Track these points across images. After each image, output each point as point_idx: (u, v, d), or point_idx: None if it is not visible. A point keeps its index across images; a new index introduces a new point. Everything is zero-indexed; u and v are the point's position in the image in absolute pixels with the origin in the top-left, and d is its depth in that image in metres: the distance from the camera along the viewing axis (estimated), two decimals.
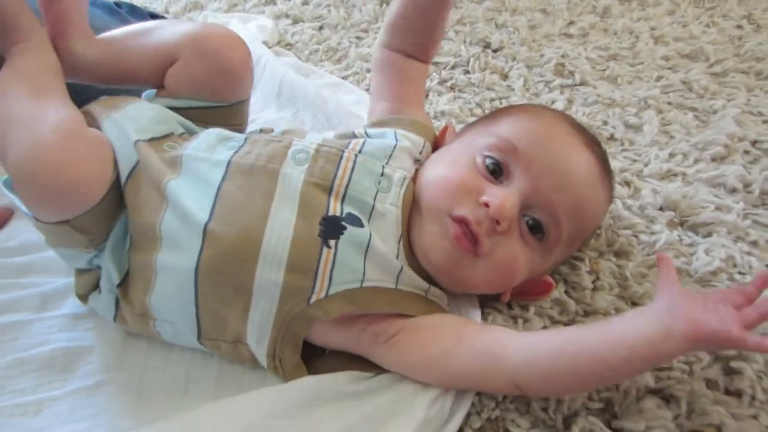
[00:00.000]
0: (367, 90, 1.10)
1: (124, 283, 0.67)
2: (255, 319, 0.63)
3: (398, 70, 0.81)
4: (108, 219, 0.66)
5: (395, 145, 0.71)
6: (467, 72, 1.22)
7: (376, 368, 0.65)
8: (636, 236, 0.83)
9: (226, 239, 0.62)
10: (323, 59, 1.28)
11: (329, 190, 0.65)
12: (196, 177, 0.65)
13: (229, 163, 0.66)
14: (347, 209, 0.65)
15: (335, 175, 0.66)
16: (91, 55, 0.76)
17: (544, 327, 0.71)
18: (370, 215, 0.65)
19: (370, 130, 0.75)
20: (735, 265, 0.79)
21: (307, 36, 1.35)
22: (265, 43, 1.29)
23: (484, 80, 1.18)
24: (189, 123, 0.75)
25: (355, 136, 0.74)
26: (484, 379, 0.62)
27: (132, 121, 0.69)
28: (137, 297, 0.66)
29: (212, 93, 0.75)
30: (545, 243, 0.68)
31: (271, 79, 1.15)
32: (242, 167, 0.65)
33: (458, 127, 0.88)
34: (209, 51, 0.73)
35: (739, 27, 1.41)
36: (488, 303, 0.74)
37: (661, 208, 0.88)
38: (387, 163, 0.69)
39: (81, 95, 0.72)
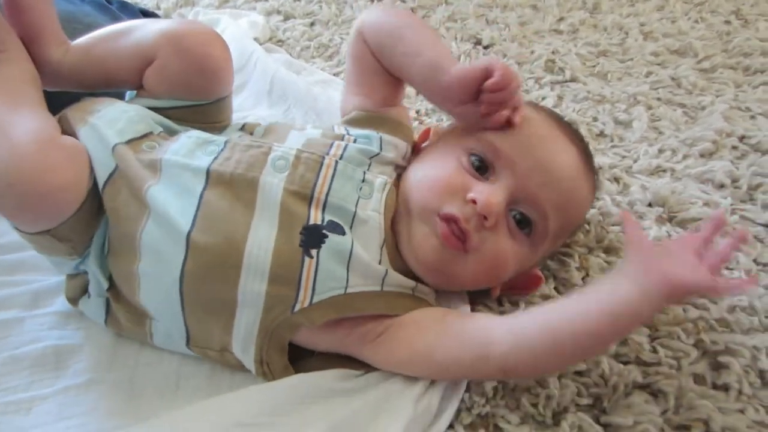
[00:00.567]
0: None
1: (114, 287, 0.67)
2: (240, 329, 0.64)
3: (377, 63, 0.78)
4: (88, 226, 0.65)
5: (378, 154, 0.71)
6: None
7: (364, 366, 0.66)
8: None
9: (209, 250, 0.61)
10: (315, 56, 1.28)
11: (309, 199, 0.65)
12: (177, 185, 0.65)
13: (208, 171, 0.65)
14: (328, 217, 0.64)
15: (315, 183, 0.65)
16: (68, 61, 0.74)
17: None
18: (352, 222, 0.65)
19: (353, 131, 0.75)
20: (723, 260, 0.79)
21: (298, 32, 1.34)
22: (256, 39, 1.28)
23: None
24: (168, 122, 0.73)
25: (340, 138, 0.73)
26: (472, 367, 0.62)
27: (109, 124, 0.68)
28: (130, 297, 0.66)
29: (191, 92, 0.74)
30: (533, 237, 0.69)
31: (262, 76, 1.14)
32: (222, 176, 0.65)
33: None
34: (185, 49, 0.71)
35: (728, 22, 1.41)
36: (478, 299, 0.74)
37: (650, 204, 0.89)
38: (368, 169, 0.69)
39: (60, 98, 0.72)
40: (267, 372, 0.65)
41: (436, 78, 0.69)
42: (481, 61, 0.67)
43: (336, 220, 0.64)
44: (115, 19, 1.02)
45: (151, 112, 0.73)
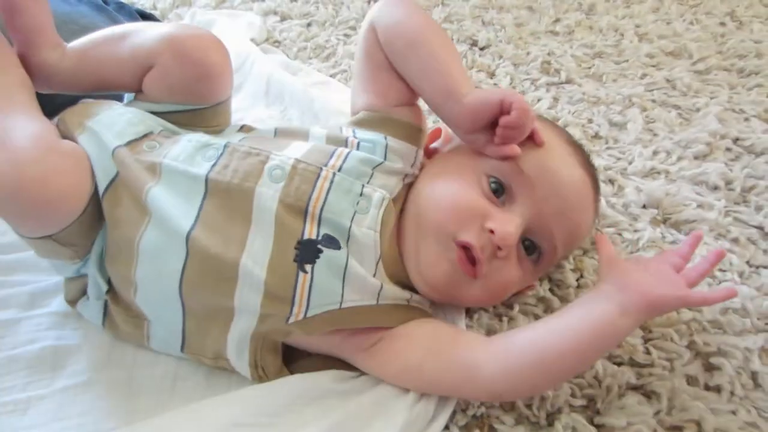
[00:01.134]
0: None
1: (113, 290, 0.68)
2: (235, 333, 0.64)
3: (388, 61, 0.74)
4: (90, 230, 0.65)
5: (381, 164, 0.69)
6: None
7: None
8: (620, 234, 0.84)
9: (209, 257, 0.61)
10: (311, 56, 1.28)
11: (304, 212, 0.63)
12: (177, 190, 0.64)
13: (207, 179, 0.64)
14: (324, 230, 0.63)
15: (310, 196, 0.64)
16: (65, 64, 0.73)
17: None
18: (348, 238, 0.64)
19: (359, 133, 0.72)
20: None
21: (295, 33, 1.34)
22: (253, 40, 1.28)
23: (470, 78, 1.18)
24: (168, 124, 0.73)
25: (344, 142, 0.71)
26: (460, 390, 0.63)
27: (108, 127, 0.68)
28: (130, 300, 0.66)
29: (190, 96, 0.73)
30: (539, 265, 0.70)
31: (258, 77, 1.14)
32: (220, 185, 0.64)
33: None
34: (184, 55, 0.70)
35: (722, 24, 1.42)
36: None
37: (644, 206, 0.89)
38: (369, 180, 0.68)
39: (56, 100, 0.72)
40: (262, 375, 0.65)
41: (448, 105, 0.68)
42: (495, 93, 0.65)
43: (331, 234, 0.64)
44: (112, 20, 1.02)
45: (152, 115, 0.73)
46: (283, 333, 0.64)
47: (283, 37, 1.34)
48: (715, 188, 0.92)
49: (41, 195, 0.58)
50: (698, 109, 1.09)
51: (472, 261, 0.64)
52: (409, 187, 0.72)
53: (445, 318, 0.72)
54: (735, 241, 0.84)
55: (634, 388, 0.66)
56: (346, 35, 1.35)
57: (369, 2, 1.47)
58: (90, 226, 0.65)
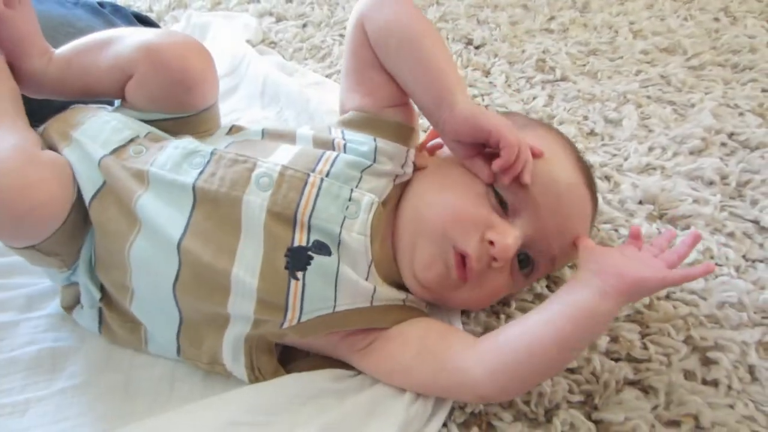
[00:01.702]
0: None
1: (106, 296, 0.68)
2: (230, 336, 0.64)
3: (378, 60, 0.72)
4: (74, 239, 0.65)
5: (370, 166, 0.68)
6: None
7: None
8: (616, 230, 0.85)
9: (200, 270, 0.61)
10: (307, 57, 1.28)
11: (293, 220, 0.63)
12: (166, 199, 0.63)
13: (194, 188, 0.63)
14: (314, 237, 0.63)
15: (298, 204, 0.63)
16: (51, 72, 0.72)
17: None
18: (338, 244, 0.63)
19: (348, 134, 0.71)
20: (712, 257, 0.80)
21: (290, 34, 1.35)
22: (248, 41, 1.29)
23: (466, 77, 1.19)
24: (154, 129, 0.72)
25: (331, 145, 0.70)
26: (449, 392, 0.63)
27: (93, 137, 0.67)
28: (125, 307, 0.66)
29: (171, 105, 0.71)
30: (531, 276, 0.70)
31: (254, 78, 1.15)
32: (208, 194, 0.63)
33: None
34: (161, 64, 0.68)
35: (716, 20, 1.42)
36: None
37: (640, 202, 0.90)
38: (358, 183, 0.66)
39: (53, 104, 0.72)
40: (259, 377, 0.65)
41: (439, 111, 0.66)
42: (489, 124, 0.64)
43: (322, 239, 0.63)
44: (108, 22, 1.02)
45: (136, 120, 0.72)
46: (277, 335, 0.65)
47: (278, 38, 1.34)
48: (711, 183, 0.92)
49: (18, 206, 0.57)
50: (693, 105, 1.10)
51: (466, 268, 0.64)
52: (402, 186, 0.71)
53: (441, 316, 0.72)
54: (731, 235, 0.84)
55: (632, 384, 0.66)
56: (341, 36, 1.35)
57: None
58: (73, 235, 0.64)
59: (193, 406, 0.62)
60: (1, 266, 0.77)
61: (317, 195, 0.64)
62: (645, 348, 0.69)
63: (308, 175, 0.65)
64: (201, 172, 0.64)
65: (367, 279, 0.64)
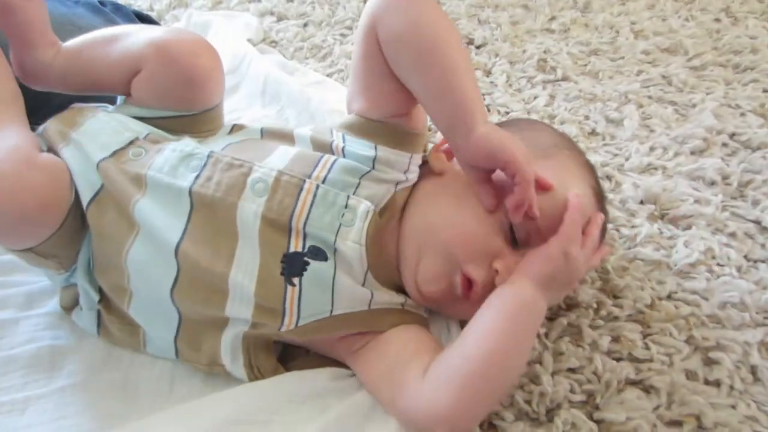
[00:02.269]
0: None
1: (105, 298, 0.68)
2: (228, 338, 0.64)
3: (389, 68, 0.69)
4: (72, 242, 0.65)
5: (368, 172, 0.67)
6: None
7: None
8: (617, 230, 0.84)
9: (198, 274, 0.61)
10: (308, 56, 1.28)
11: (288, 227, 0.62)
12: (163, 203, 0.63)
13: (191, 192, 0.63)
14: (310, 242, 0.63)
15: (293, 211, 0.62)
16: (58, 64, 0.72)
17: None
18: (334, 252, 0.63)
19: (349, 138, 0.70)
20: (714, 257, 0.80)
21: (291, 33, 1.34)
22: (249, 41, 1.28)
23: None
24: (155, 129, 0.71)
25: (331, 149, 0.69)
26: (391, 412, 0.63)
27: (92, 138, 0.67)
28: (123, 310, 0.66)
29: (178, 102, 0.71)
30: None
31: (255, 77, 1.14)
32: (204, 199, 0.63)
33: None
34: (171, 61, 0.68)
35: (717, 20, 1.42)
36: None
37: (641, 202, 0.89)
38: (356, 190, 0.65)
39: (53, 102, 0.72)
40: (259, 375, 0.65)
41: (455, 132, 0.64)
42: (506, 152, 0.61)
43: (318, 245, 0.63)
44: (109, 21, 1.02)
45: (136, 120, 0.71)
46: (276, 335, 0.65)
47: (279, 38, 1.34)
48: (712, 183, 0.92)
49: (14, 209, 0.57)
50: (694, 105, 1.09)
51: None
52: (409, 189, 0.70)
53: (441, 320, 0.71)
54: (732, 235, 0.84)
55: (634, 383, 0.66)
56: (342, 35, 1.35)
57: (365, 1, 1.47)
58: (71, 238, 0.64)
59: (193, 405, 0.62)
60: (1, 264, 0.77)
61: (312, 202, 0.63)
62: (647, 348, 0.69)
63: (304, 180, 0.64)
64: (197, 176, 0.64)
65: (363, 285, 0.64)
